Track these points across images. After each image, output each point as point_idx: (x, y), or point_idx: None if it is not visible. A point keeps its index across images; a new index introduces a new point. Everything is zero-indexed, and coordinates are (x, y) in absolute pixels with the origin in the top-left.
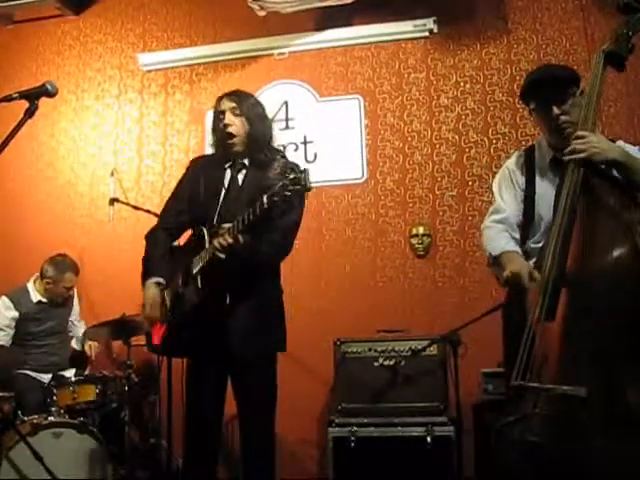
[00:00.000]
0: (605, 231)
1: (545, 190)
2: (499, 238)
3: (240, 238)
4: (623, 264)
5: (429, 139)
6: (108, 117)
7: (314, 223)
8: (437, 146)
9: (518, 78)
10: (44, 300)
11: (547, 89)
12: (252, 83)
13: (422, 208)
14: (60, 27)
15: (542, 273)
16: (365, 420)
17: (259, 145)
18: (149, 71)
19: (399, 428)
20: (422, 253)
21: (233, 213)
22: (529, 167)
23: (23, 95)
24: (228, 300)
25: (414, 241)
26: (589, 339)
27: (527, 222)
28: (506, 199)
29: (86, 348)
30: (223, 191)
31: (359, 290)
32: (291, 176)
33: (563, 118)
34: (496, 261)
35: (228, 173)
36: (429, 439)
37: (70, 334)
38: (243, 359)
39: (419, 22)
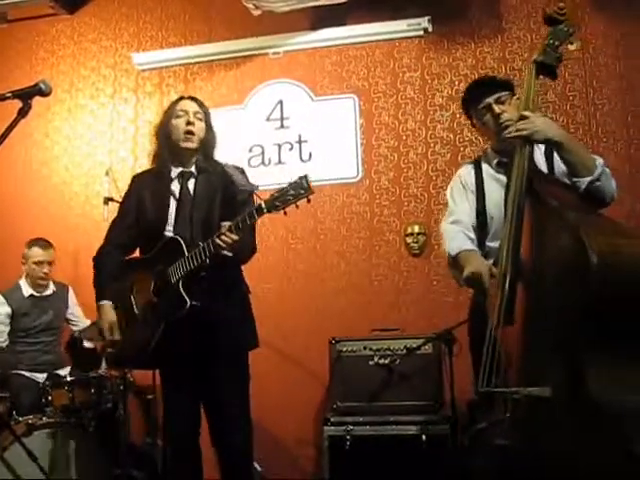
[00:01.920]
0: (552, 231)
1: (493, 191)
2: (456, 238)
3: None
4: (570, 258)
5: (424, 138)
6: (103, 116)
7: (309, 222)
8: (432, 145)
9: (513, 77)
10: (35, 294)
11: (488, 90)
12: (247, 82)
13: (417, 207)
14: (54, 26)
15: (497, 278)
16: (360, 419)
17: (208, 154)
18: (144, 70)
19: (394, 427)
20: (417, 252)
21: (189, 224)
22: (478, 172)
23: (16, 95)
24: (210, 305)
25: (409, 240)
26: (546, 336)
27: (482, 224)
28: (458, 202)
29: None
30: (173, 201)
31: (354, 289)
32: (293, 180)
33: (505, 116)
34: (454, 261)
35: (176, 183)
36: (424, 437)
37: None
38: (218, 355)
39: (413, 21)
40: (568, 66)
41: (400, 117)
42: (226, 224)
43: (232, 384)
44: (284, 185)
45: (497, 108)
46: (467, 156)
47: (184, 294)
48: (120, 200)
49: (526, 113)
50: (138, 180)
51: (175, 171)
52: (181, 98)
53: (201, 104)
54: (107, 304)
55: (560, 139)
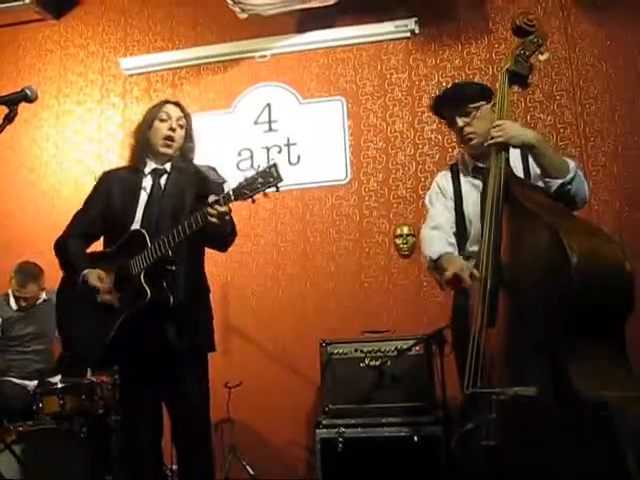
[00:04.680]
0: (531, 233)
1: (471, 196)
2: (436, 243)
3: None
4: (550, 258)
5: (412, 139)
6: (91, 122)
7: (298, 225)
8: (420, 146)
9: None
10: (23, 304)
11: (451, 104)
12: (234, 85)
13: (406, 208)
14: (41, 32)
15: (479, 281)
16: (352, 421)
17: (185, 160)
18: (131, 75)
19: (386, 428)
20: (407, 253)
21: (156, 217)
22: (455, 178)
23: (2, 101)
24: (172, 300)
25: (399, 241)
26: (529, 335)
27: (460, 228)
28: (438, 208)
29: None
30: (144, 196)
31: (344, 291)
32: (261, 169)
33: (467, 129)
34: (435, 264)
35: (149, 179)
36: (416, 439)
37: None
38: (175, 355)
39: (400, 23)
40: (555, 66)
41: (388, 119)
42: (212, 198)
43: (197, 387)
44: (253, 173)
45: (460, 121)
46: (455, 157)
47: (145, 286)
48: None
49: (499, 121)
50: (108, 176)
51: (149, 168)
52: (166, 102)
53: (184, 111)
54: (90, 269)
55: (535, 143)
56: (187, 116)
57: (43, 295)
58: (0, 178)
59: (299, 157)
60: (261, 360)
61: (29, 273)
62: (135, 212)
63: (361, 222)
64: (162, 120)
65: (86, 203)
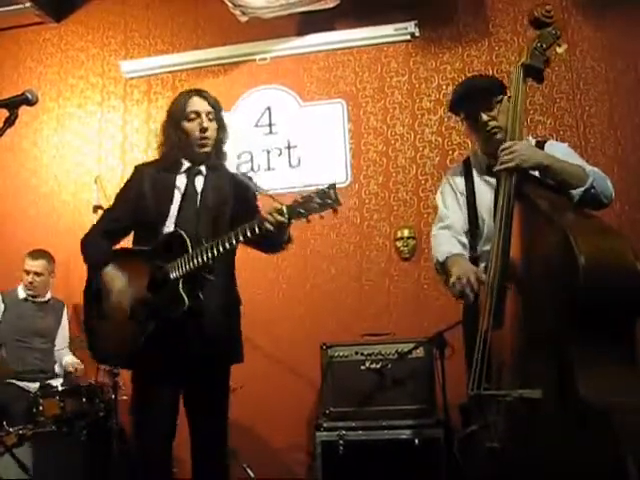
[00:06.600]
0: (541, 232)
1: (484, 194)
2: (445, 243)
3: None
4: (559, 259)
5: (412, 142)
6: (91, 124)
7: (298, 228)
8: (420, 149)
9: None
10: (30, 297)
11: (475, 99)
12: (235, 89)
13: (407, 211)
14: (41, 35)
15: (486, 283)
16: (353, 424)
17: (220, 149)
18: (131, 78)
19: (387, 431)
20: (407, 256)
21: (192, 218)
22: (468, 175)
23: (2, 104)
24: (204, 310)
25: (399, 244)
26: (536, 337)
27: (473, 227)
28: (449, 206)
29: (71, 369)
30: (178, 196)
31: (345, 294)
32: (320, 189)
33: (492, 124)
34: (442, 266)
35: (183, 178)
36: (417, 441)
37: (54, 354)
38: (203, 364)
39: (400, 26)
40: (555, 69)
41: (388, 121)
42: (278, 206)
43: (218, 398)
44: (309, 192)
45: (485, 116)
46: (455, 159)
47: (183, 293)
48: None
49: (507, 144)
50: (141, 170)
51: (183, 166)
52: (191, 94)
53: (211, 101)
54: (109, 269)
55: (546, 162)
56: (215, 106)
57: (48, 295)
58: (1, 181)
59: (299, 160)
60: (261, 363)
61: (42, 252)
62: (168, 212)
63: (361, 225)
64: (191, 120)
65: (116, 199)
